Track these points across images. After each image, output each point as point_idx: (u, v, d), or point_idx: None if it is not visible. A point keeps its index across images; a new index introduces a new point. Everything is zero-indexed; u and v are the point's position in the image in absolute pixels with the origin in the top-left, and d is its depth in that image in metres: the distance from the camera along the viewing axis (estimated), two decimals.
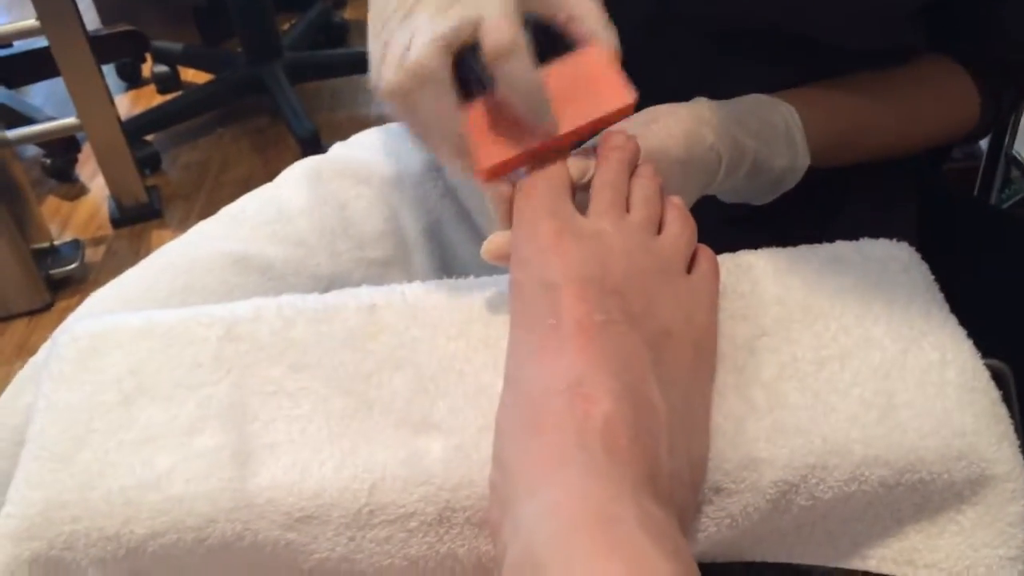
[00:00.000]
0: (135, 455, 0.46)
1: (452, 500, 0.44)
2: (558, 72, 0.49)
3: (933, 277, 0.53)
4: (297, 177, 0.72)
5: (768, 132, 0.58)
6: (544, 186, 0.48)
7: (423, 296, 0.52)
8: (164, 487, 0.45)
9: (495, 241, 0.48)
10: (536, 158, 0.49)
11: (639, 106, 0.57)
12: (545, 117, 0.47)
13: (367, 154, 0.74)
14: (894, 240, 0.54)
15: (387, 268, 0.70)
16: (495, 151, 0.48)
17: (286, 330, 0.50)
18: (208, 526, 0.44)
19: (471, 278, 0.54)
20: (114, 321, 0.52)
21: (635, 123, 0.56)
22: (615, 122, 0.49)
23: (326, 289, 0.66)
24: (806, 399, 0.47)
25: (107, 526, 0.44)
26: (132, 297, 0.63)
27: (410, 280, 0.70)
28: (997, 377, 0.49)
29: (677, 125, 0.54)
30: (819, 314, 0.50)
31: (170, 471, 0.45)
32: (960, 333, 0.50)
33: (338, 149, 0.76)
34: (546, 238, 0.46)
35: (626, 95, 0.48)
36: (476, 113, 0.49)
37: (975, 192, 0.94)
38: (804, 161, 0.59)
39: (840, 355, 0.48)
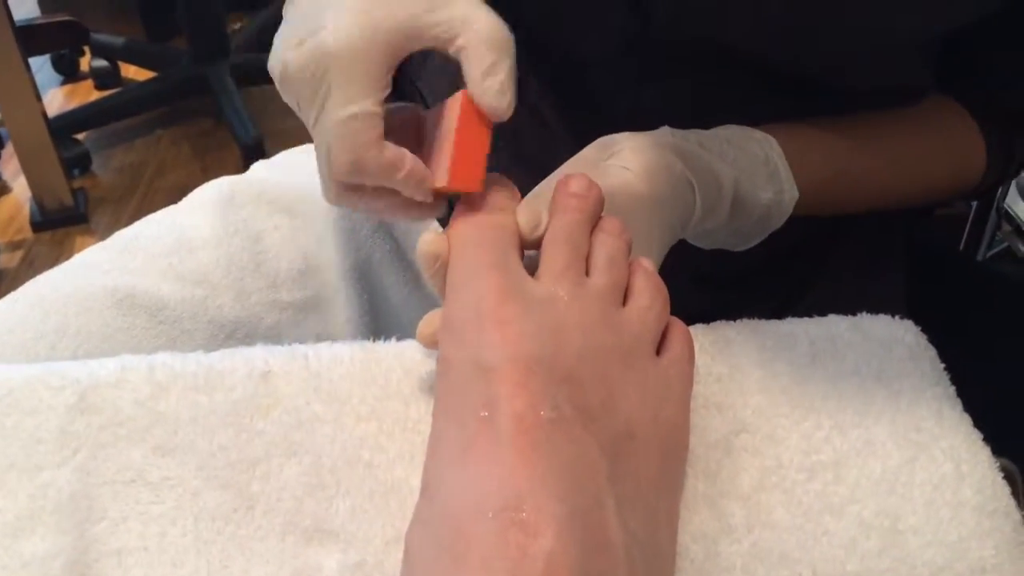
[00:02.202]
0: None
1: None
2: (435, 118, 0.43)
3: (943, 365, 0.44)
4: (205, 201, 0.62)
5: (746, 160, 0.49)
6: (484, 238, 0.39)
7: (331, 362, 0.42)
8: None
9: (433, 322, 0.39)
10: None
11: (597, 133, 0.48)
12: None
13: (291, 177, 0.64)
14: (897, 317, 0.46)
15: (303, 313, 0.60)
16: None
17: (155, 400, 0.40)
18: None
19: (394, 341, 0.44)
20: None
21: (585, 158, 0.47)
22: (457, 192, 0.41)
23: (228, 336, 0.57)
24: (793, 517, 0.38)
25: None
26: None
27: (330, 329, 0.62)
28: (1006, 478, 0.42)
29: (638, 155, 0.45)
30: (810, 408, 0.42)
31: None
32: (976, 438, 0.41)
33: (259, 170, 0.66)
34: (484, 304, 0.36)
35: (444, 177, 0.40)
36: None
37: (962, 244, 0.88)
38: (792, 193, 0.51)
39: (835, 462, 0.40)
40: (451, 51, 0.40)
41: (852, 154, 0.55)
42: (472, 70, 0.40)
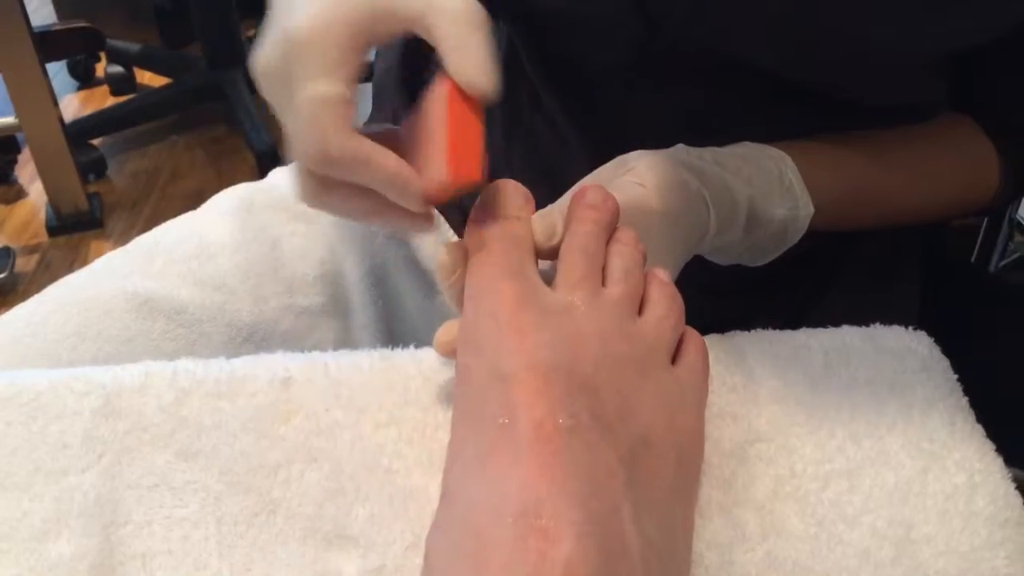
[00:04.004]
0: None
1: None
2: (415, 120, 0.41)
3: (956, 376, 0.45)
4: (225, 207, 0.62)
5: (761, 177, 0.50)
6: (501, 247, 0.39)
7: (351, 369, 0.43)
8: None
9: (451, 330, 0.40)
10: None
11: (616, 152, 0.49)
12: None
13: None
14: (910, 328, 0.47)
15: (319, 318, 0.60)
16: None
17: (178, 405, 0.41)
18: None
19: (412, 349, 0.45)
20: None
21: (601, 174, 0.47)
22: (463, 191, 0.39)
23: (246, 340, 0.58)
24: (807, 526, 0.39)
25: None
26: (16, 339, 0.54)
27: (346, 334, 0.62)
28: (1019, 489, 0.42)
29: (653, 171, 0.46)
30: (824, 418, 0.42)
31: None
32: (988, 448, 0.42)
33: (277, 176, 0.67)
34: (502, 312, 0.37)
35: (437, 172, 0.38)
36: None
37: (974, 256, 0.88)
38: (807, 210, 0.51)
39: (848, 472, 0.40)
40: (423, 34, 0.38)
41: (867, 171, 0.55)
42: (445, 50, 0.38)
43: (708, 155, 0.49)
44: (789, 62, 0.51)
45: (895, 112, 0.55)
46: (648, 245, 0.42)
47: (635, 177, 0.46)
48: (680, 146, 0.49)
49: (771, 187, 0.50)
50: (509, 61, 0.59)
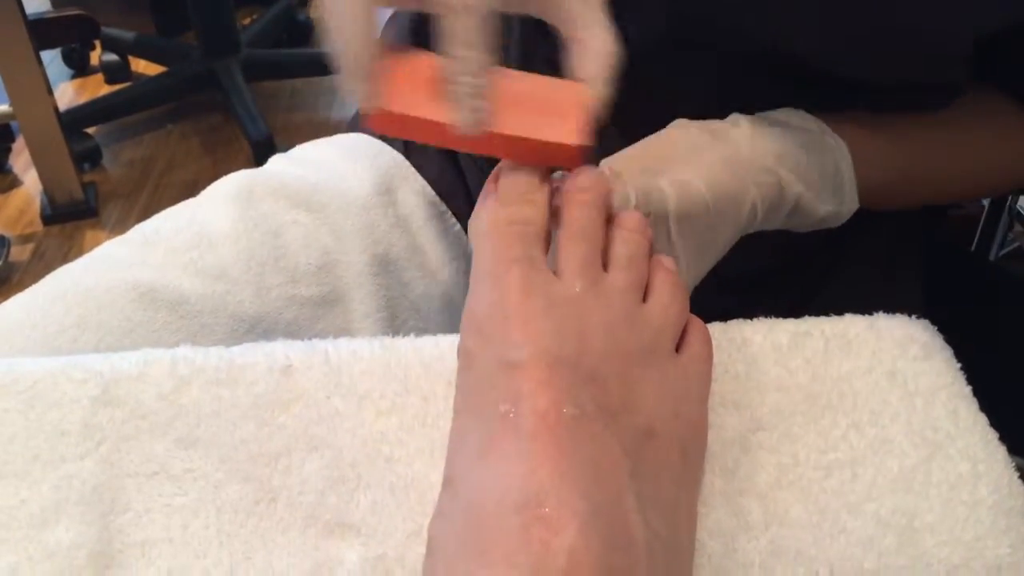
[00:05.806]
0: None
1: None
2: (529, 84, 0.41)
3: (959, 364, 0.45)
4: (224, 195, 0.62)
5: (815, 174, 0.50)
6: (509, 231, 0.39)
7: (351, 357, 0.43)
8: None
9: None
10: (439, 141, 0.40)
11: (644, 127, 0.48)
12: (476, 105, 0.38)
13: (309, 171, 0.64)
14: (912, 317, 0.46)
15: (322, 308, 0.60)
16: (404, 101, 0.39)
17: (177, 393, 0.41)
18: None
19: (412, 337, 0.44)
20: None
21: (642, 167, 0.47)
22: (553, 161, 0.40)
23: (248, 331, 0.57)
24: (810, 514, 0.39)
25: None
26: (13, 330, 0.53)
27: (348, 324, 0.62)
28: (1022, 477, 0.42)
29: (703, 173, 0.46)
30: (826, 406, 0.42)
31: (9, 575, 0.35)
32: (992, 437, 0.42)
33: (277, 163, 0.66)
34: (508, 299, 0.36)
35: (574, 135, 0.39)
36: (414, 61, 0.40)
37: (974, 244, 0.88)
38: (851, 206, 0.51)
39: (851, 460, 0.40)
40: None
41: (919, 150, 0.55)
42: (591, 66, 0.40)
43: (765, 142, 0.48)
44: (821, 48, 0.50)
45: (919, 94, 0.54)
46: (682, 247, 0.42)
47: (680, 172, 0.45)
48: (741, 123, 0.49)
49: (823, 184, 0.50)
50: (526, 39, 0.59)
